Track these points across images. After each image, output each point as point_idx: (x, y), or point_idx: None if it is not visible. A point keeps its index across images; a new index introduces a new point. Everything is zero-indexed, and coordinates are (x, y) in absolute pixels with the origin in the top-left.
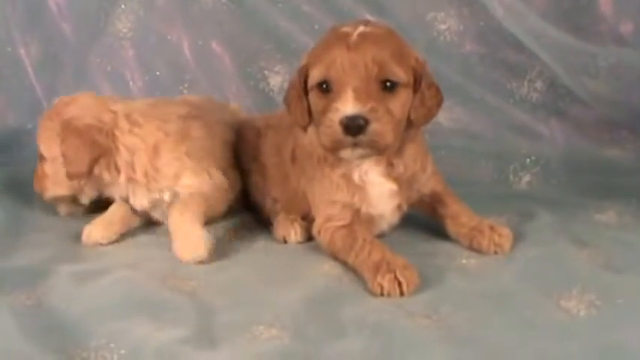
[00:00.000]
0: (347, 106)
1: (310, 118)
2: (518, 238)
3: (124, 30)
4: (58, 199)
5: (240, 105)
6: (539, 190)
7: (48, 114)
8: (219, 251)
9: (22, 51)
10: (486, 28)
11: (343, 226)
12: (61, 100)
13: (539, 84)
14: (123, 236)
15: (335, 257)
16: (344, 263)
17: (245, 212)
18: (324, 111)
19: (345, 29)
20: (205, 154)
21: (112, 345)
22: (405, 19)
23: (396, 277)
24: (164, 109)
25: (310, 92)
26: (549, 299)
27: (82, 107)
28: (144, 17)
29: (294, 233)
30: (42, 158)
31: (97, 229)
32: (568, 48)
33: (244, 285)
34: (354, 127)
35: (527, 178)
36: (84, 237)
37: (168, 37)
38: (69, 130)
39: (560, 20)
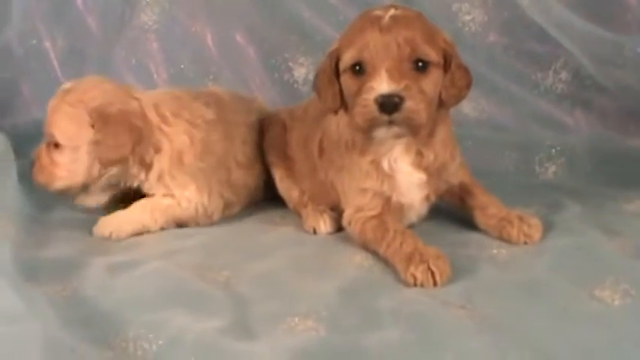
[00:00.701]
0: (382, 84)
1: (342, 101)
2: (547, 228)
3: (149, 22)
4: (69, 190)
5: (261, 97)
6: (565, 180)
7: (66, 100)
8: (249, 242)
9: (47, 44)
10: (511, 19)
11: (374, 217)
12: (72, 86)
13: (564, 74)
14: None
15: (366, 248)
16: (375, 254)
17: (272, 204)
18: (358, 92)
19: (377, 13)
20: (216, 170)
21: (151, 335)
22: (430, 10)
23: (429, 267)
24: (192, 109)
25: (343, 75)
26: (583, 289)
27: (105, 92)
28: (169, 9)
29: (323, 224)
30: (55, 146)
31: None
32: (594, 38)
33: (277, 276)
34: (389, 104)
35: (553, 168)
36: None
37: (192, 29)
38: (104, 117)
39: (585, 10)
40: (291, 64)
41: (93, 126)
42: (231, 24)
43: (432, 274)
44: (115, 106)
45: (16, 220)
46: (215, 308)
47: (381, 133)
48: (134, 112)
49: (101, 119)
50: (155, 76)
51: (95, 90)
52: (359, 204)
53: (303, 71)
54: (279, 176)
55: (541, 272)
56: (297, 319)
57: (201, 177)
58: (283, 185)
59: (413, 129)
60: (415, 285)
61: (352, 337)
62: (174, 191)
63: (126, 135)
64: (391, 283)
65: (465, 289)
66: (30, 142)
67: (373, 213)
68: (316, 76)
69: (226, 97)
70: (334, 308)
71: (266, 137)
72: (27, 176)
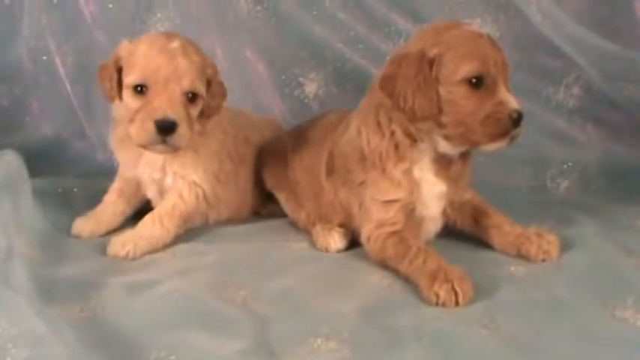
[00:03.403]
0: (511, 100)
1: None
2: (562, 245)
3: None
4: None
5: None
6: (577, 196)
7: (195, 53)
8: (264, 260)
9: (57, 60)
10: (523, 35)
11: (395, 233)
12: (180, 43)
13: (575, 90)
14: (165, 246)
15: (384, 265)
16: (394, 271)
17: (284, 220)
18: (480, 103)
19: (473, 28)
20: (212, 160)
21: (173, 357)
22: None
23: (453, 287)
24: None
25: (456, 85)
26: (604, 308)
27: None
28: (180, 25)
29: (333, 242)
30: (192, 101)
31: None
32: (606, 53)
33: (295, 295)
34: (520, 119)
35: (565, 184)
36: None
37: (203, 44)
38: (217, 71)
39: (596, 26)
40: (301, 79)
41: (209, 79)
42: (241, 40)
43: (456, 294)
44: None
45: (31, 239)
46: (235, 329)
47: (504, 142)
48: None
49: (216, 73)
50: None
51: None
52: (381, 218)
53: (313, 87)
54: (283, 198)
55: (561, 291)
56: (319, 340)
57: (203, 162)
58: (289, 207)
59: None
60: (437, 304)
61: (376, 358)
62: (183, 172)
63: (224, 89)
64: (411, 302)
65: (487, 307)
66: (41, 160)
67: (395, 228)
68: (394, 80)
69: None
70: (356, 329)
71: (267, 162)
72: (41, 192)
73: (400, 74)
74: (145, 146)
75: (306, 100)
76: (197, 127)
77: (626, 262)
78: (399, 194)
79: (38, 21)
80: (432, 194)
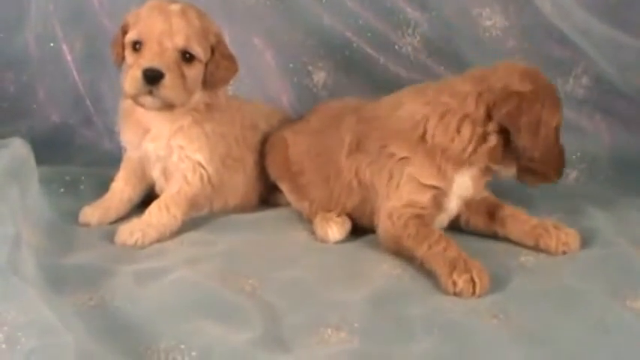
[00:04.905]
0: None
1: None
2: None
3: None
4: (184, 104)
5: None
6: (586, 186)
7: (197, 18)
8: (272, 249)
9: (64, 47)
10: (532, 24)
11: (418, 216)
12: (184, 6)
13: (585, 80)
14: (172, 234)
15: (397, 246)
16: (407, 254)
17: (291, 209)
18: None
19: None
20: (218, 143)
21: (183, 346)
22: (449, 15)
23: (472, 277)
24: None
25: (552, 131)
26: (615, 299)
27: None
28: None
29: (330, 232)
30: (187, 61)
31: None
32: (615, 44)
33: (304, 285)
34: None
35: (574, 174)
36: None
37: None
38: (224, 43)
39: (606, 15)
40: (310, 68)
41: (212, 47)
42: (249, 28)
43: (474, 284)
44: None
45: (38, 227)
46: (245, 318)
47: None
48: None
49: (222, 42)
50: None
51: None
52: (412, 199)
53: (322, 75)
54: (287, 189)
55: (572, 281)
56: (329, 331)
57: (209, 141)
58: (293, 197)
59: None
60: (454, 293)
61: (387, 348)
62: (188, 149)
63: (235, 63)
64: (422, 292)
65: (498, 298)
66: (48, 147)
67: (421, 212)
68: (519, 118)
69: None
70: (366, 319)
71: (270, 153)
72: (47, 181)
73: (523, 114)
74: (134, 98)
75: (314, 89)
76: (200, 94)
77: (636, 253)
78: (441, 183)
79: (45, 7)
80: (459, 194)
